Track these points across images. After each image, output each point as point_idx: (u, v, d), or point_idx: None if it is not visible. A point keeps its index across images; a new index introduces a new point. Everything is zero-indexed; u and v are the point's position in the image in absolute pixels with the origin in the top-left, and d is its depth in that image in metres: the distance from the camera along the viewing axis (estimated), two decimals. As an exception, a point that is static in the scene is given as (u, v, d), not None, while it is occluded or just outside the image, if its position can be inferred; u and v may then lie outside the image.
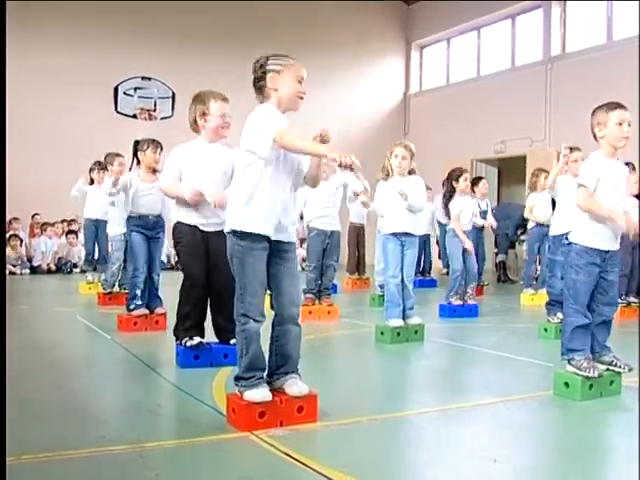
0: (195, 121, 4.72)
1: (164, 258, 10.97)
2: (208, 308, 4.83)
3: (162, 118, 15.52)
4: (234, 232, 3.41)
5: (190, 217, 4.72)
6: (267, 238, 3.40)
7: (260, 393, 3.32)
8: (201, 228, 4.72)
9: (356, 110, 17.23)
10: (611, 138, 4.06)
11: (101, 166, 8.99)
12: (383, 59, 17.95)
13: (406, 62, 18.29)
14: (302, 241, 10.93)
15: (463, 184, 7.60)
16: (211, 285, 4.76)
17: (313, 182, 3.61)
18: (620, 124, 4.03)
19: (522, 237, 11.67)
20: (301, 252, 10.47)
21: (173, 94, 15.53)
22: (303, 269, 7.65)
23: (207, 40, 15.59)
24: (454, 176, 7.69)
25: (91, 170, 9.41)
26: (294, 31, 15.83)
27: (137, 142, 6.35)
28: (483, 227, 9.14)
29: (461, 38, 17.04)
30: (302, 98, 3.47)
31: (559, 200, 6.52)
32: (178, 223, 4.79)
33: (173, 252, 12.06)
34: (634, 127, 11.33)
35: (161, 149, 6.22)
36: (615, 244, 4.20)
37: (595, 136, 4.16)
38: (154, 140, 6.27)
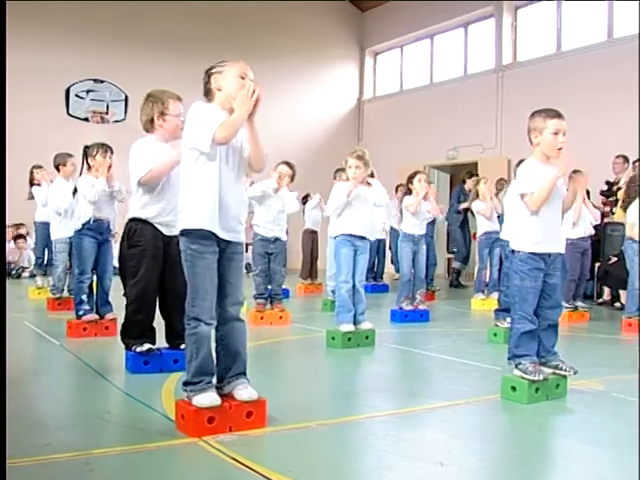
0: (151, 120, 4.64)
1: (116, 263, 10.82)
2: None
3: (115, 121, 15.36)
4: (185, 233, 3.41)
5: (152, 218, 4.63)
6: (217, 241, 3.40)
7: (208, 398, 3.31)
8: (164, 232, 4.67)
9: (311, 115, 17.26)
10: (545, 146, 4.13)
11: (43, 168, 8.97)
12: (337, 65, 18.01)
13: (360, 68, 18.38)
14: (247, 245, 10.91)
15: (417, 185, 7.66)
16: (168, 289, 4.72)
17: (256, 163, 3.56)
18: (556, 134, 4.09)
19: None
20: (248, 256, 10.44)
21: (126, 97, 15.38)
22: (248, 271, 7.71)
23: (161, 43, 15.47)
24: (409, 178, 7.79)
25: (32, 172, 9.28)
26: (248, 35, 15.80)
27: (87, 147, 6.26)
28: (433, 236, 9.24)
29: (415, 45, 17.17)
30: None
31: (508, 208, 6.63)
32: (138, 223, 4.66)
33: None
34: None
35: (111, 153, 6.14)
36: (560, 247, 4.28)
37: (531, 140, 4.23)
38: (103, 144, 6.19)
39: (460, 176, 15.47)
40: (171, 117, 4.61)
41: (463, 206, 11.31)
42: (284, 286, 9.10)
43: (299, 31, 16.95)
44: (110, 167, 6.05)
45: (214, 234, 3.39)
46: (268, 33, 16.34)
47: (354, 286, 6.02)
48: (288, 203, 7.26)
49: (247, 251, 10.10)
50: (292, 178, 7.24)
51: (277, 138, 15.21)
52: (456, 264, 12.51)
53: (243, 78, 3.43)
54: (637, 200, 5.89)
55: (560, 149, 4.08)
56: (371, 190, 6.10)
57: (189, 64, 12.56)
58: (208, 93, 3.49)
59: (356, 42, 18.25)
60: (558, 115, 4.14)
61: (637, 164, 9.68)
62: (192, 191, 3.39)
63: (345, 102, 18.10)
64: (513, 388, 4.13)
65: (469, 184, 11.14)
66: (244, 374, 3.52)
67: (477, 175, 11.18)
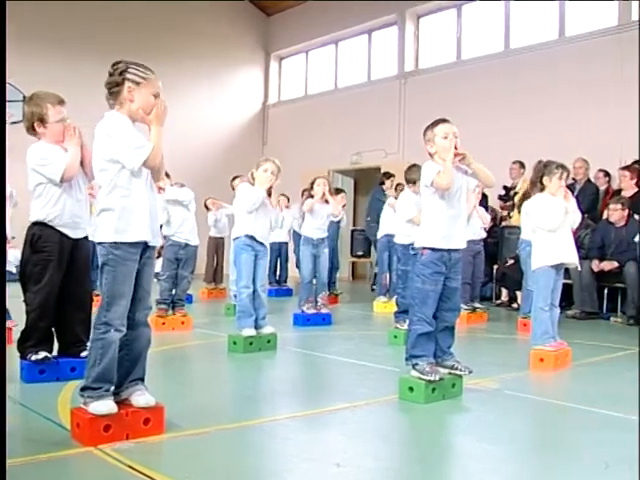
0: (32, 127, 4.51)
1: (12, 268, 10.49)
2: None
3: (12, 122, 14.84)
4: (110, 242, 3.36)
5: (55, 220, 4.49)
6: (142, 245, 3.39)
7: (106, 405, 3.25)
8: (69, 235, 4.55)
9: (215, 118, 17.14)
10: (441, 150, 4.25)
11: None
12: (242, 69, 17.96)
13: (265, 72, 18.38)
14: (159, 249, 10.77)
15: (317, 188, 7.73)
16: (71, 295, 4.61)
17: (159, 173, 3.54)
18: (445, 137, 4.24)
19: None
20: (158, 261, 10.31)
21: (24, 97, 14.88)
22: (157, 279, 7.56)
23: (61, 41, 15.05)
24: (311, 182, 7.88)
25: None
26: (152, 37, 15.59)
27: None
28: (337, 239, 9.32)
29: (320, 50, 17.29)
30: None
31: (400, 210, 6.77)
32: (42, 229, 4.50)
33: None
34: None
35: None
36: (462, 242, 4.40)
37: (430, 154, 4.36)
38: None
39: (364, 180, 15.73)
40: (52, 124, 4.46)
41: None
42: (187, 291, 9.04)
43: (204, 34, 16.80)
44: None
45: (146, 242, 3.40)
46: (173, 35, 16.16)
47: (255, 291, 6.03)
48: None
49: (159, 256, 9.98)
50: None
51: (182, 142, 15.09)
52: (375, 269, 12.63)
53: (156, 97, 3.43)
54: (535, 196, 6.06)
55: (457, 151, 4.19)
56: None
57: (91, 64, 12.34)
58: (117, 97, 3.41)
59: (261, 46, 18.24)
60: (444, 120, 4.34)
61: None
62: (118, 202, 3.34)
63: (250, 106, 18.06)
64: (410, 389, 4.21)
65: (388, 184, 11.17)
66: (142, 380, 3.49)
67: (394, 176, 11.23)
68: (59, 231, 4.51)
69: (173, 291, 7.29)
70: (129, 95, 3.38)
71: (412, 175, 6.67)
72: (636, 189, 9.21)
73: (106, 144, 3.35)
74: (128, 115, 3.40)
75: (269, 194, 6.13)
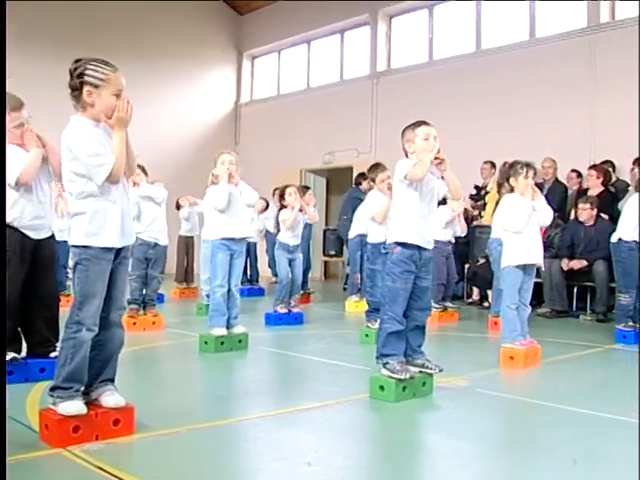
0: None
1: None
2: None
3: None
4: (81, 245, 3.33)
5: (16, 221, 4.42)
6: (117, 248, 3.38)
7: (75, 406, 3.22)
8: (31, 236, 4.50)
9: (188, 118, 17.05)
10: (419, 151, 4.29)
11: None
12: (215, 68, 17.88)
13: (238, 71, 18.31)
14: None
15: (290, 199, 7.75)
16: (36, 296, 4.56)
17: (130, 169, 3.50)
18: (426, 139, 4.27)
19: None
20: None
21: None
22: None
23: (26, 38, 14.79)
24: (281, 193, 7.89)
25: None
26: (124, 35, 15.46)
27: None
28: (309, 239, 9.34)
29: (292, 50, 17.27)
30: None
31: (370, 210, 6.80)
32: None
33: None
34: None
35: None
36: (431, 243, 4.42)
37: (406, 153, 4.39)
38: None
39: (337, 180, 15.75)
40: (10, 131, 4.37)
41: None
42: (159, 291, 8.99)
43: (176, 33, 16.70)
44: None
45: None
46: (144, 34, 16.06)
47: (229, 290, 6.02)
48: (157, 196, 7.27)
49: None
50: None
51: (154, 140, 15.01)
52: (348, 268, 12.63)
53: (118, 95, 3.33)
54: (504, 197, 6.11)
55: (439, 154, 4.22)
56: (240, 189, 6.10)
57: (62, 64, 12.21)
58: (78, 100, 3.33)
59: (234, 45, 18.19)
60: (425, 123, 4.37)
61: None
62: (90, 206, 3.31)
63: (222, 105, 18.00)
64: (381, 387, 4.23)
65: (365, 185, 11.19)
66: (112, 381, 3.46)
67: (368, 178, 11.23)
68: (20, 232, 4.46)
69: (144, 291, 7.25)
70: (89, 99, 3.30)
71: (371, 174, 6.80)
72: (602, 188, 9.31)
73: (70, 158, 3.30)
74: (92, 118, 3.33)
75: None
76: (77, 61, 3.34)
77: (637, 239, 6.77)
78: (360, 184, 11.64)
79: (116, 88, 3.34)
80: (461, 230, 8.56)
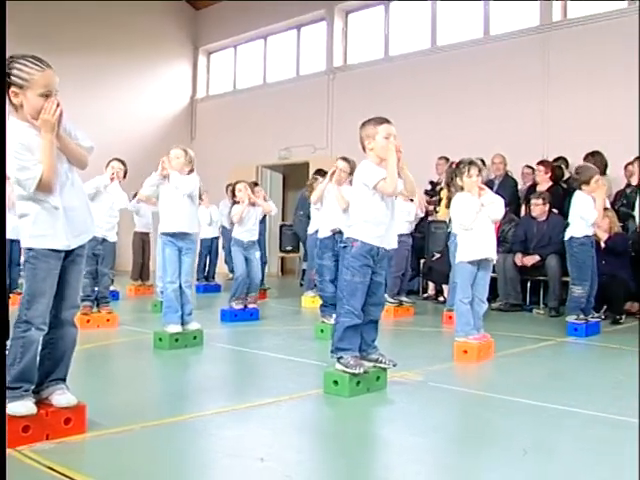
0: None
1: None
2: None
3: None
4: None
5: None
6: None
7: (25, 406, 3.17)
8: None
9: (143, 113, 16.88)
10: (379, 150, 4.31)
11: None
12: (170, 63, 17.72)
13: (193, 67, 18.18)
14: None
15: (240, 194, 7.74)
16: None
17: (78, 164, 3.39)
18: (387, 137, 4.29)
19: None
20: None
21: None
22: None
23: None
24: (232, 189, 7.90)
25: None
26: (78, 29, 15.24)
27: None
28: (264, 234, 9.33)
29: (248, 45, 17.20)
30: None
31: (325, 205, 6.82)
32: None
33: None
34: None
35: None
36: (393, 243, 4.45)
37: (364, 148, 4.41)
38: None
39: (293, 176, 15.73)
40: None
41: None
42: (113, 288, 8.88)
43: (132, 27, 16.49)
44: None
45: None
46: (99, 28, 15.81)
47: (180, 286, 5.98)
48: (117, 199, 7.16)
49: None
50: (125, 174, 7.18)
51: (109, 135, 14.83)
52: (305, 264, 12.62)
53: (48, 95, 3.13)
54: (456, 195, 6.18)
55: (398, 152, 4.24)
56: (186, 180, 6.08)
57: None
58: (10, 101, 3.17)
59: (190, 40, 18.04)
60: (387, 121, 4.37)
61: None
62: (35, 208, 3.22)
63: (178, 100, 17.85)
64: (335, 382, 4.24)
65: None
66: (64, 380, 3.41)
67: (326, 173, 11.26)
68: None
69: (95, 288, 7.15)
70: (15, 100, 3.14)
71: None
72: (550, 183, 9.45)
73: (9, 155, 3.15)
74: (25, 120, 3.16)
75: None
76: (9, 58, 3.16)
77: (588, 234, 6.91)
78: (316, 180, 11.63)
79: (44, 88, 3.13)
80: (421, 210, 8.67)
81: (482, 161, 7.93)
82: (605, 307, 7.85)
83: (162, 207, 6.11)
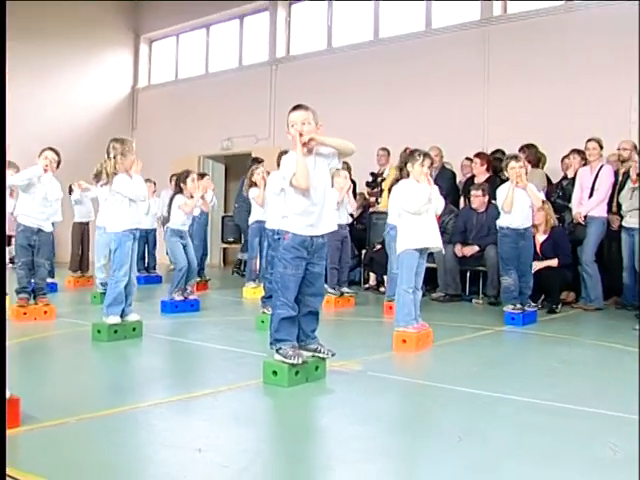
0: None
1: None
2: None
3: None
4: None
5: None
6: None
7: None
8: None
9: (82, 101, 16.53)
10: (291, 140, 4.32)
11: None
12: (110, 50, 17.41)
13: (135, 55, 17.91)
14: (10, 238, 10.33)
15: (192, 185, 7.69)
16: None
17: None
18: (293, 126, 4.29)
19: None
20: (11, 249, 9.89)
21: None
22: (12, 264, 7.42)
23: None
24: (182, 178, 7.80)
25: None
26: (13, 12, 14.83)
27: None
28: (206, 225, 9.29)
29: (191, 34, 17.02)
30: None
31: (270, 195, 6.82)
32: None
33: None
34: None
35: None
36: (328, 227, 4.45)
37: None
38: None
39: (235, 167, 15.65)
40: None
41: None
42: (51, 280, 8.74)
43: (70, 14, 16.09)
44: None
45: None
46: (35, 14, 15.43)
47: (130, 278, 5.95)
48: (50, 189, 7.02)
49: (10, 244, 9.56)
50: (58, 165, 7.04)
51: (48, 125, 14.57)
52: (245, 255, 12.55)
53: None
54: (401, 181, 6.24)
55: (301, 138, 4.22)
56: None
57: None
58: None
59: (131, 28, 17.75)
60: (294, 108, 4.36)
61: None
62: None
63: (118, 89, 17.57)
64: (274, 372, 4.25)
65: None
66: None
67: (262, 162, 11.26)
68: None
69: (32, 280, 7.01)
70: None
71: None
72: (487, 174, 9.60)
73: None
74: None
75: None
76: None
77: (510, 225, 7.11)
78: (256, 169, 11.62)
79: None
80: (351, 207, 8.66)
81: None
82: (542, 297, 8.04)
83: (122, 203, 6.00)
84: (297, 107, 4.35)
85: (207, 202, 8.62)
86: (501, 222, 7.20)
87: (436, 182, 8.30)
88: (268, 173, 8.84)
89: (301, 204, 4.31)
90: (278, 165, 6.81)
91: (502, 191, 7.18)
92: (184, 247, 7.69)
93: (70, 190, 10.24)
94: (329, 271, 8.16)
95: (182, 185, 7.77)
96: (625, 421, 3.62)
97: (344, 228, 8.48)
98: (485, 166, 9.59)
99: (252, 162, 11.87)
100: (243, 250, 12.63)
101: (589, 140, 8.46)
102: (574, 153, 9.01)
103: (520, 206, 7.05)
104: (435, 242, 5.78)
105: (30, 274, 6.93)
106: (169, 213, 7.81)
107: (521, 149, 9.23)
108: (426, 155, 5.77)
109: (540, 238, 8.17)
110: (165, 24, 17.17)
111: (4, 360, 3.17)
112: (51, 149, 7.02)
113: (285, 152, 6.66)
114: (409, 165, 5.77)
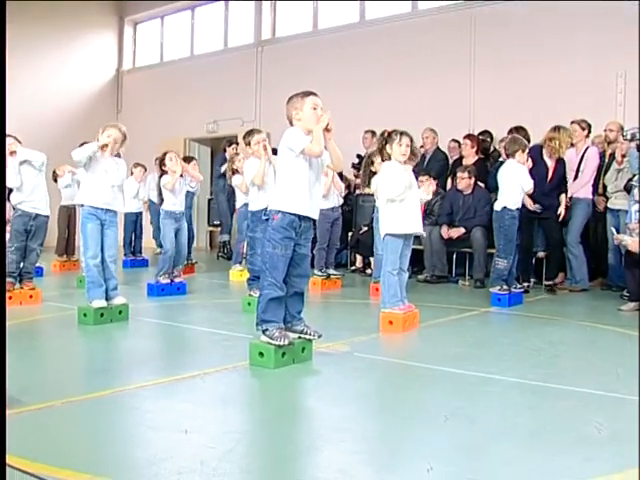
0: None
1: None
2: None
3: None
4: None
5: None
6: None
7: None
8: None
9: (67, 85, 16.41)
10: (307, 120, 4.33)
11: None
12: (95, 33, 17.23)
13: (119, 38, 17.75)
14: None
15: (170, 164, 7.63)
16: None
17: None
18: (314, 108, 4.33)
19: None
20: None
21: None
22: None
23: None
24: (162, 160, 7.77)
25: None
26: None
27: None
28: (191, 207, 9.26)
29: (176, 16, 16.89)
30: None
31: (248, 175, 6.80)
32: None
33: None
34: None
35: None
36: (316, 213, 4.46)
37: (291, 121, 4.41)
38: None
39: (221, 149, 15.59)
40: None
41: (223, 169, 11.21)
42: (38, 264, 8.69)
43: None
44: None
45: None
46: (17, -3, 15.31)
47: (104, 261, 5.88)
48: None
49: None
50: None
51: (32, 108, 14.46)
52: (224, 237, 12.56)
53: None
54: (383, 164, 6.21)
55: (329, 126, 4.25)
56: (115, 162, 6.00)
57: None
58: None
59: (115, 11, 17.58)
60: (313, 93, 4.42)
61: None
62: None
63: (103, 72, 17.42)
64: (261, 354, 4.25)
65: (229, 152, 11.19)
66: None
67: (237, 143, 11.24)
68: None
69: (21, 264, 6.98)
70: None
71: (247, 139, 6.80)
72: (477, 157, 9.61)
73: None
74: None
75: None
76: None
77: (519, 206, 7.10)
78: (225, 151, 11.68)
79: None
80: (339, 191, 8.67)
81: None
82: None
83: (87, 179, 5.97)
84: (315, 93, 4.42)
85: (197, 176, 8.59)
86: (508, 204, 7.09)
87: (429, 165, 8.27)
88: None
89: (299, 178, 4.32)
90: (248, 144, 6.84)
91: (511, 171, 7.11)
92: (176, 232, 7.64)
93: (54, 175, 10.17)
94: (317, 252, 8.18)
95: (163, 167, 7.73)
96: (610, 400, 3.65)
97: (335, 210, 8.52)
98: (475, 148, 9.60)
99: (226, 143, 11.91)
100: (222, 232, 12.65)
101: (572, 122, 8.47)
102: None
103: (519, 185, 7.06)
104: (416, 228, 5.78)
105: (21, 259, 6.90)
106: (160, 196, 7.77)
107: (511, 131, 9.23)
108: (403, 133, 5.73)
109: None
110: (149, 6, 16.99)
111: (4, 356, 3.16)
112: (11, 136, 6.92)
113: (230, 142, 6.67)
114: (388, 147, 5.75)
